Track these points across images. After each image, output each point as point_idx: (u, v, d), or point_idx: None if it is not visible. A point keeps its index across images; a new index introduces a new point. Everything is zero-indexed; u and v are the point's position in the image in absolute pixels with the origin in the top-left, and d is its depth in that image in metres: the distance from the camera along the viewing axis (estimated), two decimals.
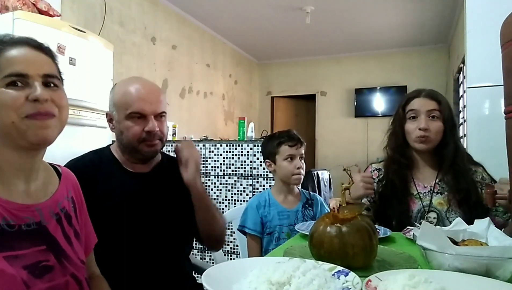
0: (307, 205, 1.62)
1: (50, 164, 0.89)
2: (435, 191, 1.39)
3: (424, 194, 1.40)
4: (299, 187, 1.70)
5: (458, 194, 1.33)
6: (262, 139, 3.20)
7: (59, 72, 0.82)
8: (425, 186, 1.41)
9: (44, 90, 0.74)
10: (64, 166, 0.95)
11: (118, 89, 1.21)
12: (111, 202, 1.12)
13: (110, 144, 1.28)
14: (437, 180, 1.41)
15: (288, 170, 1.55)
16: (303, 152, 1.59)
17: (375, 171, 1.51)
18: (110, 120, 1.22)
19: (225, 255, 2.90)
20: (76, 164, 1.13)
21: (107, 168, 1.18)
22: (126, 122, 1.15)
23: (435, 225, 1.21)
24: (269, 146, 1.63)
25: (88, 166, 1.16)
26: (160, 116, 1.18)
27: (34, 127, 0.72)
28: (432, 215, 1.36)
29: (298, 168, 1.54)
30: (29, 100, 0.72)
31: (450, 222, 1.08)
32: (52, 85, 0.77)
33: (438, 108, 1.38)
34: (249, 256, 1.57)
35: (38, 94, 0.72)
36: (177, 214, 1.23)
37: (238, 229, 1.61)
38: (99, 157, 1.21)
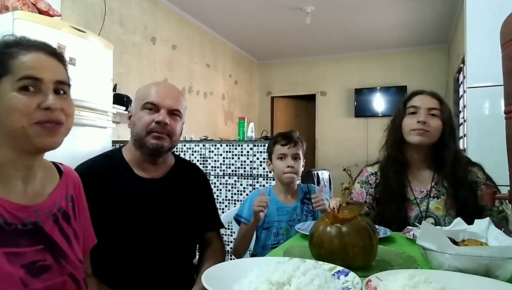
0: (305, 200, 1.63)
1: (53, 162, 0.90)
2: (431, 196, 1.38)
3: (421, 199, 1.38)
4: (298, 183, 1.71)
5: (457, 202, 1.32)
6: (262, 139, 3.21)
7: (69, 79, 0.83)
8: (422, 190, 1.40)
9: (56, 99, 0.75)
10: (75, 169, 0.95)
11: (142, 88, 1.25)
12: (122, 208, 1.12)
13: (122, 146, 1.28)
14: (433, 183, 1.39)
15: (279, 169, 1.58)
16: (298, 152, 1.59)
17: (371, 175, 1.50)
18: (129, 117, 1.24)
19: None
20: (88, 170, 1.13)
21: (118, 174, 1.18)
22: (140, 112, 1.17)
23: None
24: (269, 147, 1.69)
25: (100, 171, 1.16)
26: (174, 113, 1.19)
27: (42, 134, 0.74)
28: (430, 220, 1.34)
29: (289, 166, 1.55)
30: (41, 108, 0.73)
31: None
32: (62, 92, 0.78)
33: (439, 107, 1.37)
34: (237, 243, 1.57)
35: (50, 103, 0.74)
36: (185, 221, 1.23)
37: (234, 218, 1.64)
38: (110, 162, 1.21)
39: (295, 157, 1.58)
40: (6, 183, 0.75)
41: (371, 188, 1.48)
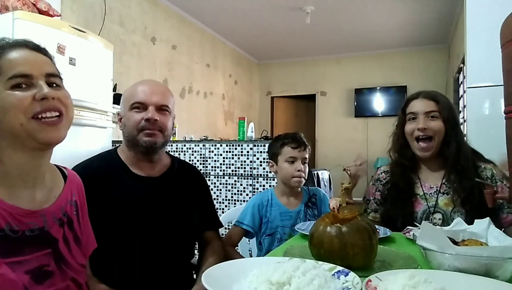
0: (309, 204, 1.60)
1: (57, 166, 0.89)
2: (441, 192, 1.37)
3: (430, 195, 1.38)
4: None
5: (462, 193, 1.31)
6: (262, 139, 3.20)
7: (58, 72, 0.82)
8: (431, 186, 1.40)
9: (50, 89, 0.74)
10: (71, 170, 0.95)
11: (127, 89, 1.26)
12: (119, 207, 1.12)
13: (117, 146, 1.28)
14: (444, 180, 1.38)
15: (288, 172, 1.53)
16: (306, 156, 1.56)
17: (382, 173, 1.52)
18: (120, 119, 1.24)
19: None
20: (85, 170, 1.12)
21: (115, 174, 1.18)
22: (129, 113, 1.18)
23: (441, 227, 1.20)
24: (273, 147, 1.62)
25: (96, 171, 1.16)
26: (162, 108, 1.19)
27: (44, 128, 0.73)
28: (438, 216, 1.34)
29: (299, 170, 1.52)
30: (36, 99, 0.72)
31: None
32: (54, 85, 0.77)
33: (436, 108, 1.37)
34: (227, 239, 1.52)
35: (45, 92, 0.73)
36: (183, 220, 1.23)
37: (234, 225, 1.58)
38: (107, 161, 1.21)
39: (304, 162, 1.55)
40: (13, 188, 0.75)
41: (381, 184, 1.49)
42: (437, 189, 1.38)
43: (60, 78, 0.80)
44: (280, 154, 1.56)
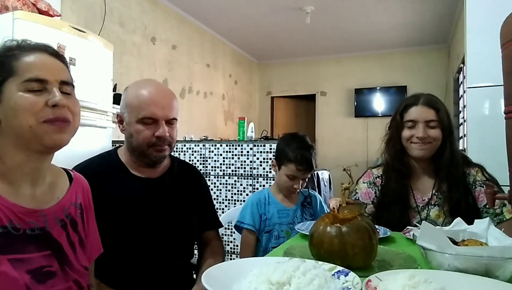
0: (305, 203, 1.62)
1: (64, 169, 0.90)
2: (432, 203, 1.37)
3: (422, 207, 1.38)
4: None
5: (450, 203, 1.32)
6: (262, 139, 3.20)
7: (72, 80, 0.83)
8: (423, 199, 1.39)
9: (62, 96, 0.76)
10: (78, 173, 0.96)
11: (131, 91, 1.19)
12: (119, 208, 1.12)
13: (117, 147, 1.27)
14: (434, 191, 1.38)
15: (285, 185, 1.55)
16: (308, 176, 1.56)
17: (377, 178, 1.48)
18: (120, 121, 1.20)
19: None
20: (84, 170, 1.10)
21: (115, 174, 1.18)
22: (137, 125, 1.14)
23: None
24: (282, 153, 1.56)
25: (96, 171, 1.15)
26: (171, 121, 1.18)
27: (51, 132, 0.74)
28: None
29: (295, 188, 1.54)
30: (48, 105, 0.74)
31: None
32: (66, 92, 0.79)
33: (436, 117, 1.35)
34: (242, 252, 1.54)
35: (57, 99, 0.74)
36: (182, 221, 1.23)
37: (235, 225, 1.59)
38: (106, 162, 1.21)
39: (304, 180, 1.55)
40: (15, 186, 0.75)
41: (378, 190, 1.47)
42: (428, 201, 1.38)
43: (73, 85, 0.82)
44: (285, 165, 1.54)
